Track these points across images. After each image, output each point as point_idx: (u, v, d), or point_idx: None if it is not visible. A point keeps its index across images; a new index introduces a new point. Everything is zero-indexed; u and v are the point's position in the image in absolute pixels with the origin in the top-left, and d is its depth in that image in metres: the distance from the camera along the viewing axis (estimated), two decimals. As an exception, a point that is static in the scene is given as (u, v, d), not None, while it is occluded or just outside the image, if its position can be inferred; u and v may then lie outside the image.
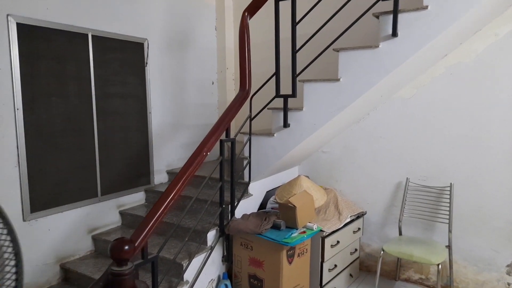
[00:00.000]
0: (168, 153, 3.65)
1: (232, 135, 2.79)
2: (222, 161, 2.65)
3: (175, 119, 3.73)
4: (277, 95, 2.81)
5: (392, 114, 3.30)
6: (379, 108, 3.33)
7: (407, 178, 3.25)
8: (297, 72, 2.72)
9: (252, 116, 2.99)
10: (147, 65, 3.35)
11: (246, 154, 3.05)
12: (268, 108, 2.93)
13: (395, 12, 2.28)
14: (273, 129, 2.91)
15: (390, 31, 2.36)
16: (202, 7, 3.97)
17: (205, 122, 4.13)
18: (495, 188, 2.91)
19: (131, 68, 3.23)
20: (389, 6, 2.44)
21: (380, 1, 2.37)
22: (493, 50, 2.85)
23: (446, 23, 2.20)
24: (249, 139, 2.97)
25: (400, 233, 3.22)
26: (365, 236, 3.49)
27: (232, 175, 2.76)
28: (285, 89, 2.84)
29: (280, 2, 2.72)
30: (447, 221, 3.05)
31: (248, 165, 2.98)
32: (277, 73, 2.80)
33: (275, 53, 2.78)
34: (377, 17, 2.42)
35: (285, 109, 2.78)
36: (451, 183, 3.04)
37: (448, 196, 3.05)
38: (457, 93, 3.00)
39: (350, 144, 3.55)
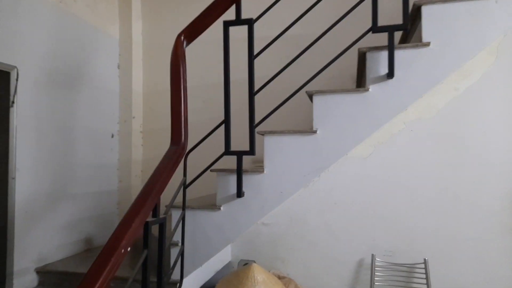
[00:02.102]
0: (40, 240, 2.37)
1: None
2: (148, 257, 1.62)
3: (55, 186, 2.51)
4: (227, 151, 1.99)
5: (348, 176, 2.76)
6: (331, 169, 2.77)
7: (372, 254, 2.66)
8: (256, 121, 1.96)
9: (188, 181, 2.06)
10: (14, 104, 2.18)
11: (176, 237, 2.06)
12: (211, 170, 2.05)
13: (391, 47, 1.78)
14: (218, 199, 2.03)
15: (381, 71, 1.84)
16: (100, 38, 3.01)
17: (101, 189, 2.96)
18: (472, 264, 2.51)
19: (-15, 107, 2.03)
20: (374, 41, 1.95)
21: (358, 37, 1.85)
22: (454, 106, 2.60)
23: (452, 64, 1.78)
24: (183, 216, 2.01)
25: (373, 329, 2.53)
26: (325, 335, 2.70)
27: (160, 276, 1.73)
28: (236, 144, 2.05)
29: (231, 28, 2.01)
30: (424, 307, 2.51)
31: (180, 256, 1.99)
32: (227, 122, 2.00)
33: (225, 94, 2.00)
34: (364, 54, 1.90)
35: (239, 172, 1.96)
36: (425, 259, 2.55)
37: (424, 276, 2.53)
38: (420, 152, 2.64)
39: (297, 214, 2.85)
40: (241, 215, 2.00)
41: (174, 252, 2.06)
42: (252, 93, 1.96)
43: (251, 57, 1.96)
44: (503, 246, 2.47)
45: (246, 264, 2.53)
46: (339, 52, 1.87)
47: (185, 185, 2.05)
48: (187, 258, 2.03)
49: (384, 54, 1.84)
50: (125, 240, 1.42)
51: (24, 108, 2.25)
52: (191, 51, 3.19)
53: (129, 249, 1.43)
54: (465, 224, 2.53)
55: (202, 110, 3.17)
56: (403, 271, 2.60)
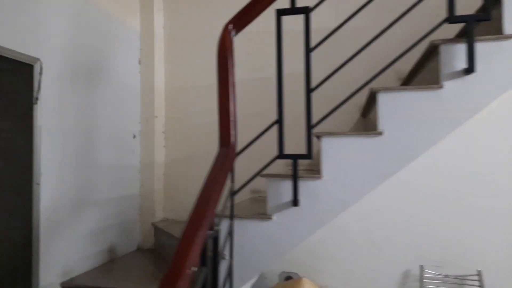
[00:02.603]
0: (65, 251, 2.15)
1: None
2: (208, 280, 1.41)
3: (79, 192, 2.29)
4: (281, 155, 1.79)
5: (391, 180, 2.54)
6: (373, 173, 2.58)
7: (421, 265, 2.47)
8: (313, 121, 1.77)
9: (236, 188, 1.86)
10: (38, 101, 1.96)
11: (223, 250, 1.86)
12: (262, 175, 1.85)
13: (471, 40, 1.60)
14: (269, 208, 1.83)
15: (457, 66, 1.65)
16: (121, 29, 2.79)
17: (123, 193, 2.75)
18: (532, 274, 2.34)
19: (8, 104, 1.80)
20: (446, 33, 1.77)
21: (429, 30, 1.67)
22: (509, 105, 2.43)
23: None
24: (231, 227, 1.81)
25: None
26: None
27: (213, 297, 1.53)
28: (289, 146, 1.85)
29: (284, 17, 1.81)
30: (477, 323, 2.33)
31: (229, 272, 1.78)
32: (280, 122, 1.80)
33: (277, 91, 1.80)
34: (436, 47, 1.71)
35: (295, 178, 1.76)
36: (478, 271, 2.37)
37: (477, 288, 2.35)
38: (472, 154, 2.46)
39: (336, 221, 2.66)
40: (296, 226, 1.79)
41: (221, 266, 1.85)
42: (309, 90, 1.76)
43: (308, 49, 1.76)
44: None
45: (288, 277, 2.33)
46: (393, 44, 1.69)
47: (233, 192, 1.84)
48: (235, 273, 1.83)
49: (460, 47, 1.65)
50: (191, 259, 1.21)
51: (47, 105, 2.03)
52: (215, 47, 2.99)
53: (195, 268, 1.23)
54: (523, 232, 2.36)
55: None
56: (454, 283, 2.43)
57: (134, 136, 2.91)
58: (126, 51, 2.85)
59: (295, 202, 1.76)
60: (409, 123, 1.69)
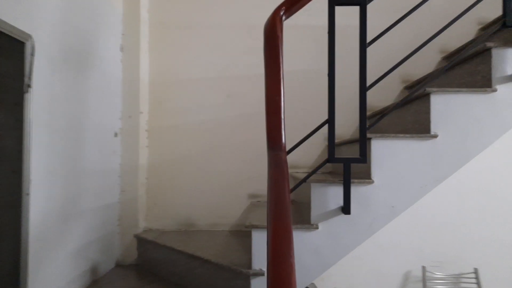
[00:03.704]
0: (52, 277, 1.73)
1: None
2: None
3: (66, 202, 1.87)
4: (332, 158, 1.62)
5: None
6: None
7: (423, 266, 2.51)
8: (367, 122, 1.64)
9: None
10: (30, 90, 1.54)
11: (258, 264, 1.65)
12: (308, 182, 1.67)
13: (523, 45, 1.62)
14: (314, 216, 1.66)
15: (508, 71, 1.66)
16: (105, 9, 2.37)
17: (106, 202, 2.34)
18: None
19: (-6, 90, 1.37)
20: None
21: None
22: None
23: None
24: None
25: None
26: None
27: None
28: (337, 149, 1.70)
29: (337, 7, 1.66)
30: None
31: (276, 290, 1.57)
32: (331, 122, 1.64)
33: (329, 88, 1.63)
34: (488, 49, 1.70)
35: (348, 183, 1.61)
36: (475, 269, 2.47)
37: (475, 286, 2.45)
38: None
39: (340, 225, 2.58)
40: (345, 235, 1.65)
41: (258, 284, 1.64)
42: (364, 88, 1.63)
43: (364, 44, 1.63)
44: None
45: (308, 288, 2.17)
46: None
47: (277, 200, 1.63)
48: (278, 291, 1.62)
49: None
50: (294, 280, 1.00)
51: (38, 95, 1.61)
52: (209, 38, 2.72)
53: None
54: (517, 231, 2.52)
55: (226, 105, 2.73)
56: (450, 282, 2.50)
57: (116, 135, 2.51)
58: (109, 35, 2.43)
59: (347, 209, 1.62)
60: (462, 126, 1.66)
